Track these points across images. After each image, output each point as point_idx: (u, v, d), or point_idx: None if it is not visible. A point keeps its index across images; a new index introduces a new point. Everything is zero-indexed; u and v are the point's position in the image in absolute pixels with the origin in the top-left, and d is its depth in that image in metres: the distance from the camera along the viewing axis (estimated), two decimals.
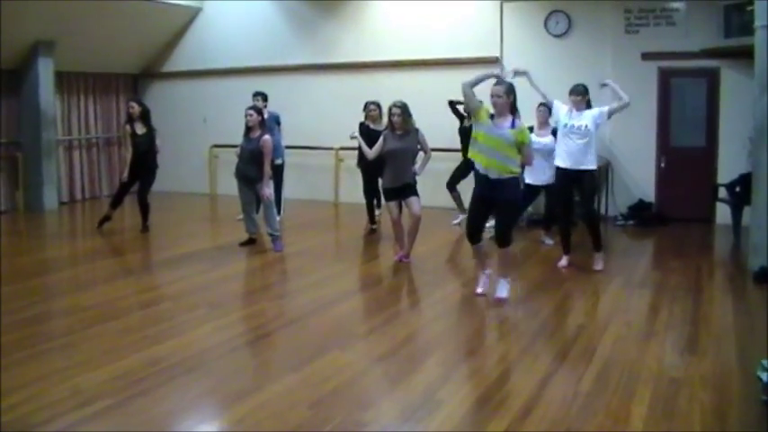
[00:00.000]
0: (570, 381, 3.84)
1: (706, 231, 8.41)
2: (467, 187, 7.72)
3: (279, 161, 8.39)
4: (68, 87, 11.00)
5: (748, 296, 5.73)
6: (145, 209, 8.38)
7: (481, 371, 4.09)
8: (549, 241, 7.57)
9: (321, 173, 10.73)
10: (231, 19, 11.26)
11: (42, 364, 4.11)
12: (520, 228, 7.92)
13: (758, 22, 6.22)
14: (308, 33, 10.75)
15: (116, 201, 8.48)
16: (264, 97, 8.42)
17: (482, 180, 5.28)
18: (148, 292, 5.96)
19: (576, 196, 6.51)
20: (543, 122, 7.54)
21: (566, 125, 6.27)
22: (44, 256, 7.52)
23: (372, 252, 7.68)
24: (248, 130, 7.19)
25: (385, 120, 7.08)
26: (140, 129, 8.25)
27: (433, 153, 6.86)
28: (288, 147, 9.17)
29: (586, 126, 6.17)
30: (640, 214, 8.82)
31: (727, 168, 8.27)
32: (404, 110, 6.51)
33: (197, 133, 11.58)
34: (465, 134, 7.65)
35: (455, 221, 8.55)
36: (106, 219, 8.46)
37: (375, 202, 8.39)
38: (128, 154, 8.28)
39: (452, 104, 8.43)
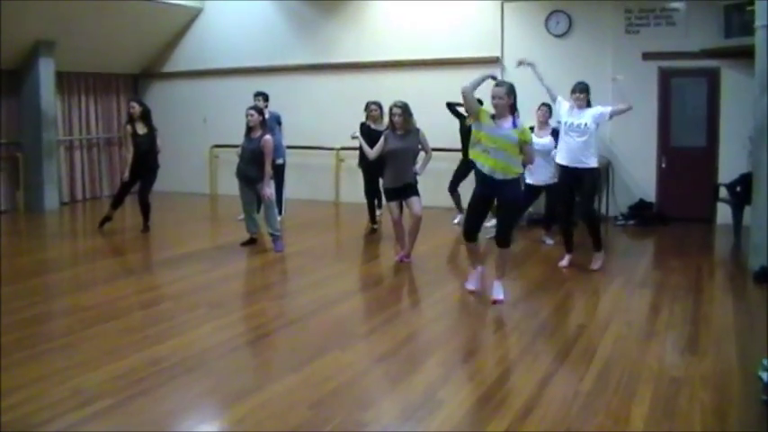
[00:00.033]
0: (571, 380, 3.84)
1: (706, 231, 8.41)
2: (467, 188, 7.73)
3: (280, 161, 8.39)
4: (69, 87, 11.00)
5: (749, 296, 5.72)
6: (146, 209, 8.38)
7: (482, 371, 4.09)
8: (549, 241, 7.57)
9: (322, 173, 10.73)
10: (232, 19, 11.27)
11: (43, 364, 4.11)
12: (520, 227, 7.92)
13: (758, 22, 6.22)
14: (309, 33, 10.75)
15: (117, 201, 8.48)
16: (265, 97, 8.43)
17: (485, 180, 5.27)
18: (149, 292, 5.96)
19: (576, 196, 6.51)
20: (544, 122, 7.55)
21: (566, 123, 6.28)
22: (45, 256, 7.52)
23: (373, 252, 7.68)
24: (249, 130, 7.19)
25: (386, 120, 7.09)
26: (141, 129, 8.25)
27: (434, 153, 6.85)
28: (289, 147, 9.17)
29: (586, 124, 6.18)
30: (641, 214, 8.82)
31: (728, 168, 8.28)
32: (405, 110, 6.51)
33: (197, 133, 11.59)
34: (466, 134, 7.65)
35: (455, 221, 8.55)
36: (107, 219, 8.47)
37: (376, 202, 8.39)
38: (128, 154, 8.28)
39: (450, 106, 8.43)
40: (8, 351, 4.26)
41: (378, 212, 8.52)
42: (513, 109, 5.25)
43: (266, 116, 7.54)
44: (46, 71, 10.05)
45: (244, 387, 3.80)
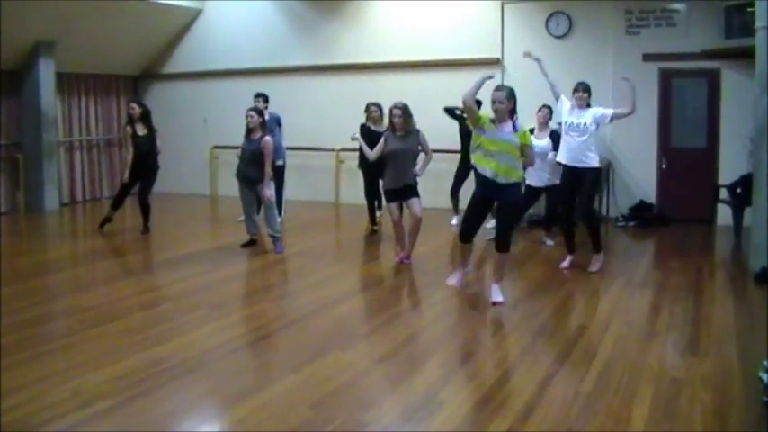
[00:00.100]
0: (571, 381, 3.84)
1: (707, 232, 8.41)
2: (467, 188, 7.74)
3: (280, 162, 8.39)
4: (69, 88, 11.00)
5: (749, 297, 5.72)
6: (146, 210, 8.38)
7: (482, 371, 4.09)
8: (549, 242, 7.57)
9: (322, 174, 10.73)
10: (232, 20, 11.27)
11: (43, 364, 4.11)
12: (521, 229, 7.91)
13: (759, 23, 6.22)
14: (309, 34, 10.76)
15: (117, 202, 8.48)
16: (265, 98, 8.43)
17: (487, 183, 5.26)
18: (149, 293, 5.96)
19: (576, 196, 6.50)
20: (544, 124, 7.55)
21: (566, 123, 6.29)
22: (45, 256, 7.52)
23: (373, 253, 7.68)
24: (249, 131, 7.19)
25: (386, 121, 7.09)
26: (141, 130, 8.25)
27: (434, 154, 6.85)
28: (289, 148, 9.16)
29: (585, 124, 6.18)
30: (641, 215, 8.83)
31: (728, 169, 8.28)
32: (405, 111, 6.51)
33: (198, 134, 11.59)
34: (465, 136, 7.65)
35: (452, 222, 8.54)
36: (107, 220, 8.47)
37: (376, 203, 8.39)
38: (128, 155, 8.28)
39: (448, 111, 8.44)
40: (8, 352, 4.26)
41: (378, 213, 8.52)
42: (512, 113, 5.26)
43: (266, 117, 7.54)
44: (46, 72, 10.05)
45: (244, 388, 3.80)
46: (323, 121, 10.43)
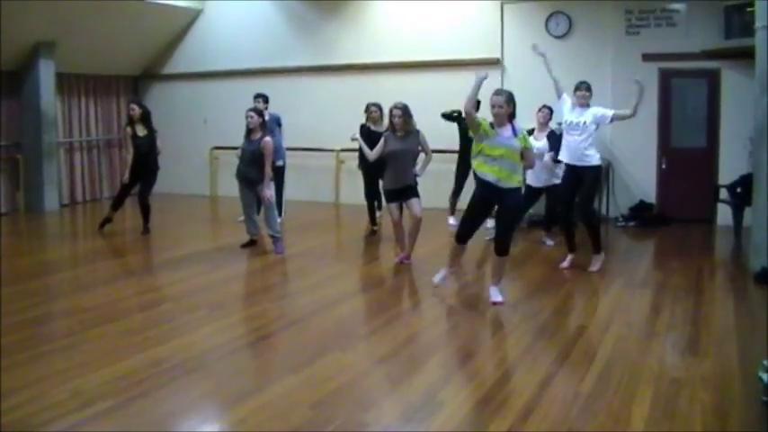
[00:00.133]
0: (571, 381, 3.84)
1: (707, 232, 8.41)
2: (466, 189, 7.74)
3: (280, 163, 8.40)
4: (69, 89, 11.00)
5: (749, 297, 5.72)
6: (146, 210, 8.38)
7: (482, 372, 4.09)
8: (549, 242, 7.57)
9: (322, 174, 10.73)
10: (232, 20, 11.27)
11: (43, 365, 4.11)
12: (521, 229, 7.91)
13: (758, 23, 6.22)
14: (309, 35, 10.76)
15: (117, 202, 8.49)
16: (265, 99, 8.43)
17: (489, 187, 5.25)
18: (149, 294, 5.96)
19: (576, 196, 6.50)
20: (544, 124, 7.56)
21: (567, 121, 6.29)
22: (45, 257, 7.52)
23: (373, 253, 7.68)
24: (249, 131, 7.19)
25: (386, 121, 7.09)
26: (141, 130, 8.25)
27: (434, 154, 6.85)
28: (289, 148, 9.16)
29: (585, 123, 6.18)
30: (641, 215, 8.83)
31: (728, 169, 8.28)
32: (405, 111, 6.51)
33: (198, 135, 11.59)
34: (465, 134, 7.66)
35: (451, 221, 8.54)
36: (107, 220, 8.47)
37: (376, 203, 8.39)
38: (128, 156, 8.28)
39: (445, 116, 8.44)
40: (9, 352, 4.26)
41: (378, 214, 8.52)
42: (511, 117, 5.27)
43: (266, 118, 7.54)
44: (46, 72, 10.05)
45: (244, 388, 3.80)
46: (323, 121, 10.43)
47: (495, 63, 9.36)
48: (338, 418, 3.39)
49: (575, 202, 6.43)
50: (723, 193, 8.15)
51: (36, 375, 3.92)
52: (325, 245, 8.16)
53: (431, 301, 5.62)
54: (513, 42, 9.43)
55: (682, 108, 8.93)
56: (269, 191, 7.14)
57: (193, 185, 11.65)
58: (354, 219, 9.18)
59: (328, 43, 10.61)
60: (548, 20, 9.26)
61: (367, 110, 8.07)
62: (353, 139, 7.41)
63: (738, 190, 7.74)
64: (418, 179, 6.65)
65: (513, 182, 5.23)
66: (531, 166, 5.57)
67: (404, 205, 6.65)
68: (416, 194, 6.61)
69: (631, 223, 8.77)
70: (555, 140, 7.05)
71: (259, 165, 7.06)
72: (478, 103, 6.19)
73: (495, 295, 5.37)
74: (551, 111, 7.42)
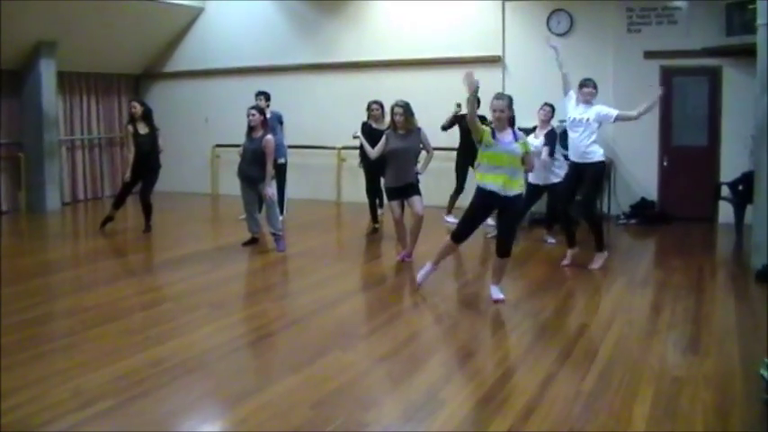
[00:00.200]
0: (573, 380, 3.84)
1: (708, 230, 8.40)
2: (467, 190, 7.73)
3: (281, 161, 8.40)
4: (70, 88, 11.01)
5: (751, 295, 5.71)
6: (147, 209, 8.38)
7: (483, 371, 4.09)
8: (551, 240, 7.56)
9: (323, 172, 10.73)
10: (233, 19, 11.27)
11: (44, 364, 4.11)
12: (522, 227, 7.89)
13: (760, 21, 6.21)
14: (310, 33, 10.75)
15: (118, 201, 8.49)
16: (267, 97, 8.44)
17: (493, 195, 5.21)
18: (150, 293, 5.96)
19: (578, 194, 6.49)
20: (546, 121, 7.52)
21: (570, 118, 6.29)
22: (46, 256, 7.52)
23: (375, 252, 7.67)
24: (251, 129, 7.19)
25: (387, 119, 7.08)
26: (143, 129, 8.25)
27: (436, 152, 6.84)
28: (290, 146, 9.17)
29: (588, 120, 6.18)
30: (643, 213, 8.82)
31: (730, 167, 8.28)
32: (406, 109, 6.50)
33: (199, 133, 11.60)
34: (466, 132, 7.65)
35: (449, 219, 8.53)
36: (109, 219, 8.48)
37: (377, 201, 8.38)
38: (130, 154, 8.29)
39: (446, 128, 8.43)
40: (9, 352, 4.26)
41: (379, 212, 8.51)
42: (512, 121, 5.26)
43: (268, 116, 7.54)
44: (47, 71, 10.06)
45: (245, 388, 3.80)
46: (324, 119, 10.43)
47: (496, 61, 9.35)
48: (339, 418, 3.38)
49: (574, 199, 6.43)
50: (724, 191, 8.15)
51: (36, 375, 3.92)
52: (327, 243, 8.15)
53: (432, 300, 5.62)
54: (515, 40, 9.42)
55: (683, 106, 8.93)
56: (270, 189, 7.14)
57: (195, 184, 11.66)
58: (356, 217, 9.17)
59: (329, 41, 10.60)
60: (549, 18, 9.25)
61: (368, 108, 8.06)
62: (355, 137, 7.40)
63: (740, 188, 7.74)
64: (420, 177, 6.65)
65: (516, 187, 5.22)
66: (530, 169, 5.58)
67: (405, 203, 6.64)
68: (418, 192, 6.60)
69: (632, 221, 8.77)
70: (551, 138, 7.05)
71: (260, 163, 7.05)
72: (478, 101, 6.18)
73: (496, 293, 5.37)
74: (553, 108, 7.40)
